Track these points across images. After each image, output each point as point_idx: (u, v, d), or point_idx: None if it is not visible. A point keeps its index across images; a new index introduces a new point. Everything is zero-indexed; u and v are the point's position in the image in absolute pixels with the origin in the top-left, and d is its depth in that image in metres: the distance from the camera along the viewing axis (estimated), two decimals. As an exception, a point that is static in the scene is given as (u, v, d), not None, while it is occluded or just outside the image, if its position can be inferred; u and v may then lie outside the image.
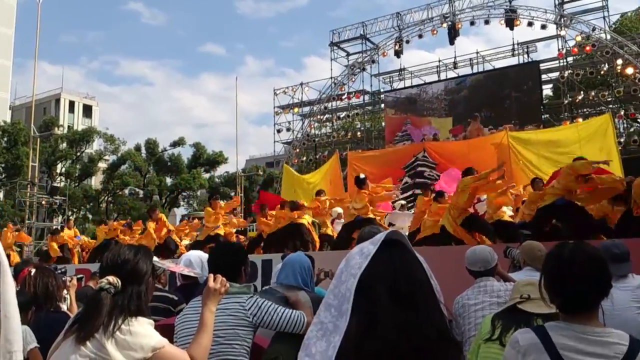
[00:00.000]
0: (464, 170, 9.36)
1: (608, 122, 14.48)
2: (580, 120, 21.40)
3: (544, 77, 25.30)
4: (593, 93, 23.35)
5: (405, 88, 28.40)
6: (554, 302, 1.95)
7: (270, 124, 33.33)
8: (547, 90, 27.93)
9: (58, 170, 41.26)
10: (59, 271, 5.29)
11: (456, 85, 26.48)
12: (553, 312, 2.05)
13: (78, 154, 42.53)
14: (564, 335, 1.85)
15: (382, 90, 29.95)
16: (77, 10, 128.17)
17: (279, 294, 3.11)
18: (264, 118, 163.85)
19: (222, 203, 12.56)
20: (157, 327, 2.23)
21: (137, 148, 44.51)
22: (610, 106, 23.18)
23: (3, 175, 37.03)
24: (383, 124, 29.43)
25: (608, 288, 1.90)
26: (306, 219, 10.86)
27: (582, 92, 23.54)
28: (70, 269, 9.55)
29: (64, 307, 4.24)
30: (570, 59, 24.99)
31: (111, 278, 2.14)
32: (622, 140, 21.36)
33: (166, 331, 2.52)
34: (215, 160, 44.75)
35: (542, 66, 25.26)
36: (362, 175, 10.81)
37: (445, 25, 25.56)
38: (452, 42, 25.84)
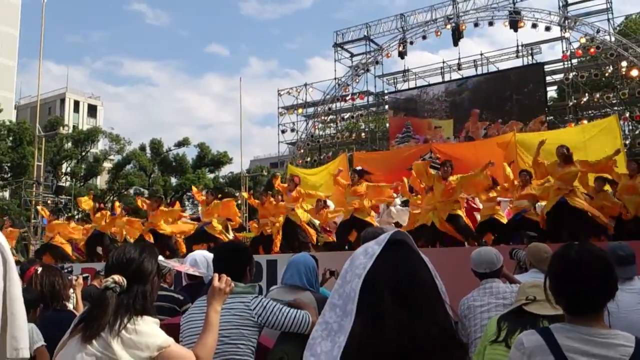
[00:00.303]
0: None
1: (614, 123, 14.40)
2: (585, 122, 21.33)
3: (548, 79, 25.24)
4: (598, 95, 23.28)
5: (409, 89, 28.38)
6: (559, 304, 1.94)
7: (274, 125, 33.60)
8: (551, 92, 27.89)
9: (63, 170, 41.35)
10: (65, 270, 5.31)
11: (457, 86, 26.46)
12: (559, 314, 2.04)
13: (83, 153, 42.65)
14: (570, 337, 1.84)
15: (386, 91, 29.95)
16: (82, 11, 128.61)
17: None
18: (268, 119, 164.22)
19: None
20: (162, 326, 2.23)
21: (142, 148, 44.60)
22: (615, 108, 23.13)
23: (9, 175, 37.15)
24: (387, 125, 29.41)
25: (614, 290, 1.90)
26: (301, 213, 10.99)
27: (586, 94, 23.46)
28: (76, 268, 9.61)
29: (70, 306, 4.25)
30: (574, 60, 24.94)
31: (117, 277, 2.15)
32: (627, 142, 21.33)
33: (172, 330, 2.53)
34: (220, 160, 44.80)
35: (547, 68, 25.18)
36: (358, 168, 11.09)
37: (449, 26, 25.52)
38: (456, 44, 25.82)
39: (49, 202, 25.60)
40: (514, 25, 24.10)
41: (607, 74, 23.36)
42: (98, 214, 13.30)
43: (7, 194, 38.14)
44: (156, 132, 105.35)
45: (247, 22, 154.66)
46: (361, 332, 1.24)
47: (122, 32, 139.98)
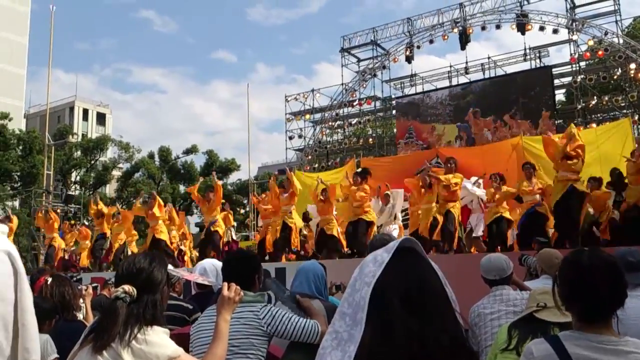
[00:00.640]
0: None
1: (627, 126, 14.29)
2: (593, 125, 21.21)
3: (556, 82, 25.11)
4: (606, 98, 23.13)
5: (416, 94, 28.32)
6: (571, 310, 1.92)
7: (281, 131, 33.62)
8: (559, 95, 27.76)
9: (73, 179, 41.58)
10: (74, 279, 5.33)
11: (462, 90, 26.38)
12: (569, 321, 2.01)
13: (92, 162, 42.86)
14: (579, 345, 1.82)
15: (393, 96, 29.91)
16: (90, 19, 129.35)
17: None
18: (276, 125, 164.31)
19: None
20: (172, 336, 2.23)
21: (151, 156, 44.79)
22: (624, 111, 22.96)
23: (18, 184, 37.36)
24: (395, 130, 29.35)
25: (624, 296, 1.88)
26: (296, 217, 11.47)
27: (595, 97, 23.34)
28: (86, 278, 9.64)
29: (79, 316, 4.26)
30: (582, 63, 24.78)
31: (127, 287, 2.15)
32: (635, 145, 21.11)
33: (181, 340, 2.53)
34: (228, 167, 44.88)
35: (555, 71, 25.07)
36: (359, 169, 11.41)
37: (456, 30, 25.43)
38: (463, 48, 25.71)
39: (58, 210, 25.71)
40: (522, 28, 24.00)
41: (615, 77, 23.22)
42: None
43: (17, 203, 38.34)
44: (164, 139, 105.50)
45: (254, 28, 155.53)
46: (371, 340, 1.24)
47: (130, 40, 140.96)
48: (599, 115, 24.41)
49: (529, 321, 2.84)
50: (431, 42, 26.72)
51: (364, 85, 28.85)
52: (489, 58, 27.48)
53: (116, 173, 44.39)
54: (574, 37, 23.60)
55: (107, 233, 14.06)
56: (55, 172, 31.95)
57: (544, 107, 23.61)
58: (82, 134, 50.80)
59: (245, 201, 34.90)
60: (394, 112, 29.40)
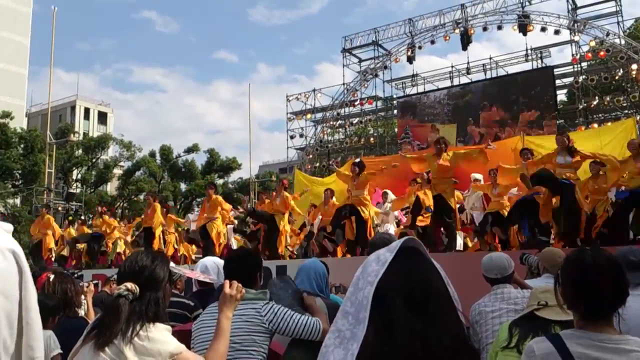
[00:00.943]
0: None
1: (632, 127, 14.25)
2: (595, 125, 21.20)
3: (557, 82, 25.12)
4: (608, 98, 23.13)
5: (418, 94, 28.32)
6: (571, 309, 1.92)
7: (283, 130, 33.68)
8: (561, 95, 27.76)
9: (74, 177, 41.58)
10: (75, 276, 5.34)
11: (460, 89, 26.35)
12: (571, 319, 2.02)
13: (93, 160, 42.88)
14: (580, 344, 1.82)
15: (394, 96, 29.91)
16: (91, 18, 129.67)
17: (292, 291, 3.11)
18: (277, 124, 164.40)
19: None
20: (174, 333, 2.24)
21: (152, 154, 44.80)
22: (626, 111, 22.98)
23: (20, 182, 37.38)
24: (396, 129, 29.35)
25: (626, 295, 1.88)
26: (285, 221, 11.48)
27: (596, 98, 23.34)
28: (87, 275, 9.65)
29: (81, 312, 4.28)
30: (584, 64, 24.80)
31: (129, 284, 2.16)
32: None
33: (183, 337, 2.54)
34: (229, 166, 44.92)
35: (556, 71, 25.07)
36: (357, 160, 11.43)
37: (457, 31, 25.44)
38: (465, 48, 25.70)
39: (59, 208, 25.72)
40: (523, 29, 23.99)
41: (617, 77, 23.22)
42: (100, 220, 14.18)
43: (18, 201, 38.36)
44: (165, 138, 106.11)
45: (256, 28, 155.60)
46: (374, 339, 1.24)
47: (131, 39, 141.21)
48: (600, 115, 24.41)
49: (530, 319, 2.84)
50: (432, 42, 26.70)
51: (365, 85, 28.87)
52: (490, 58, 27.54)
53: (117, 171, 44.38)
54: (576, 38, 23.61)
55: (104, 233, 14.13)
56: (57, 170, 31.98)
57: (546, 108, 23.62)
58: (84, 133, 50.86)
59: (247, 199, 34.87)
60: (395, 111, 29.40)
